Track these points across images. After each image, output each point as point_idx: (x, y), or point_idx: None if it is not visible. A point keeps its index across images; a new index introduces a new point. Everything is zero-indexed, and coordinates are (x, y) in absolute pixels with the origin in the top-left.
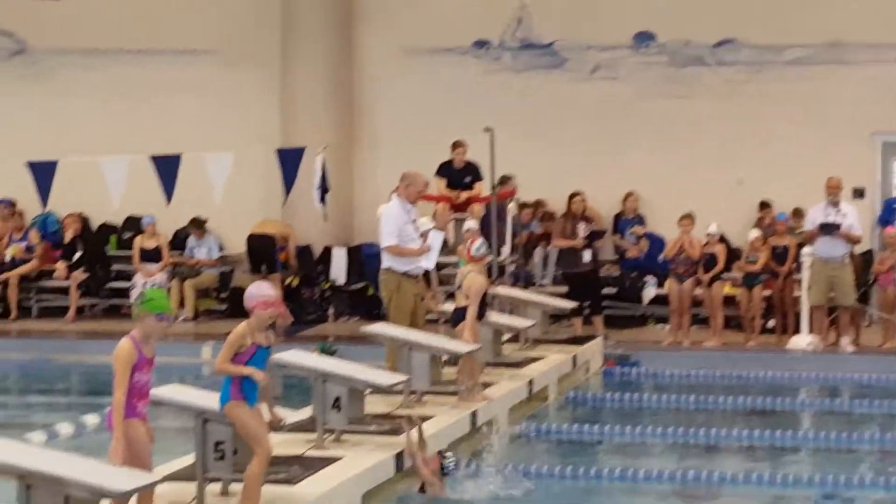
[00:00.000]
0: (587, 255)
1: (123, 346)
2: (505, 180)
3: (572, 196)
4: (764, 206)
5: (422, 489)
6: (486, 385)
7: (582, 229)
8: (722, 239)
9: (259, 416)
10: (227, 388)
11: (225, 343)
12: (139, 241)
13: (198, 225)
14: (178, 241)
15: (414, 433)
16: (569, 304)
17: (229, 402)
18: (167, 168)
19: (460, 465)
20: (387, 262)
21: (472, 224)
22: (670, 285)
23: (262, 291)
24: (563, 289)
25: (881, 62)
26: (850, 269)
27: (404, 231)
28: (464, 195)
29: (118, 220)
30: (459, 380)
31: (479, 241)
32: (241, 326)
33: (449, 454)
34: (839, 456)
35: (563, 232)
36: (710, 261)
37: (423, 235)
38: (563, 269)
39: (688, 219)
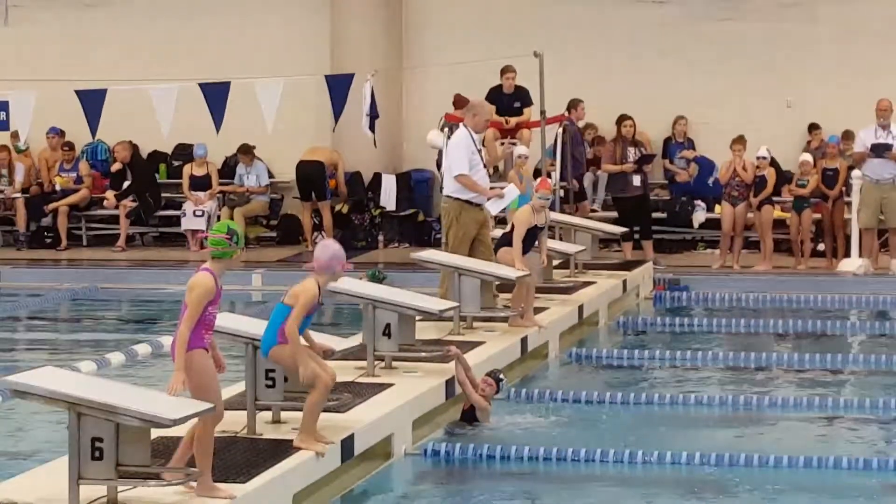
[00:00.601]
0: (637, 180)
1: (204, 281)
2: (575, 104)
3: (622, 120)
4: (813, 128)
5: (464, 418)
6: (538, 311)
7: (632, 154)
8: (772, 162)
9: (306, 352)
10: (274, 334)
11: (300, 305)
12: (188, 169)
13: (246, 151)
14: (228, 169)
15: (461, 359)
16: (618, 230)
17: (275, 346)
18: (216, 95)
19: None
20: (449, 189)
21: (522, 150)
22: (724, 209)
23: (342, 253)
24: (613, 214)
25: None
26: None
27: (473, 160)
28: (513, 121)
29: (168, 149)
30: (513, 306)
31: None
32: (314, 286)
33: (500, 374)
34: (889, 378)
35: (612, 157)
36: (759, 184)
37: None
38: (612, 193)
39: (740, 142)
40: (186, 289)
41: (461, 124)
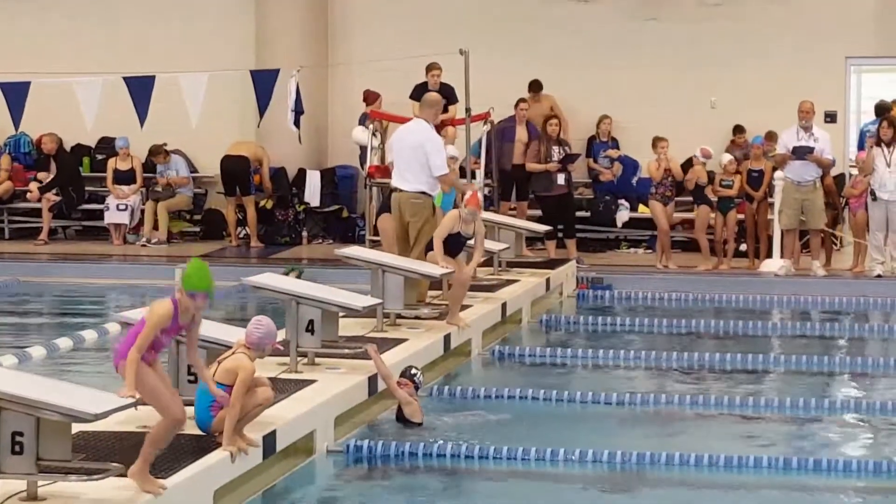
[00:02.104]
0: (561, 179)
1: (163, 308)
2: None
3: (547, 119)
4: (738, 130)
5: (401, 416)
6: (462, 308)
7: (556, 153)
8: (690, 162)
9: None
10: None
11: (238, 382)
12: (112, 163)
13: (156, 152)
14: (152, 164)
15: (375, 355)
16: (542, 228)
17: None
18: (141, 89)
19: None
20: (419, 186)
21: (452, 150)
22: (655, 208)
23: (274, 333)
24: (537, 212)
25: None
26: (821, 192)
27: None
28: (439, 118)
29: (91, 142)
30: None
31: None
32: (247, 362)
33: (414, 369)
34: (810, 378)
35: (537, 155)
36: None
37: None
38: (536, 192)
39: (663, 141)
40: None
41: (424, 121)
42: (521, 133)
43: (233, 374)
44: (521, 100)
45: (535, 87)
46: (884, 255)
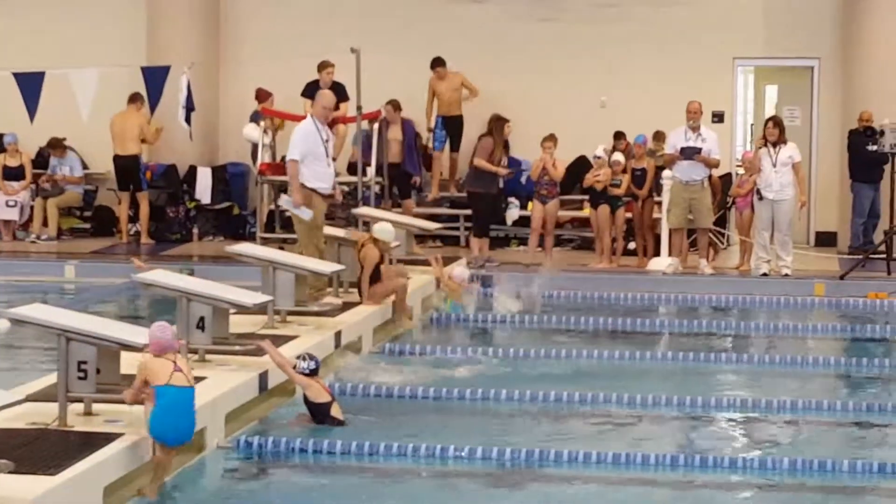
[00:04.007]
0: (502, 182)
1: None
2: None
3: (500, 120)
4: (619, 136)
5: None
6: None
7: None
8: (581, 162)
9: None
10: None
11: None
12: (1, 159)
13: (55, 145)
14: (42, 160)
15: (270, 347)
16: (433, 226)
17: None
18: (30, 85)
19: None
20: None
21: (464, 272)
22: (534, 206)
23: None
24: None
25: None
26: (708, 192)
27: (313, 151)
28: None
29: None
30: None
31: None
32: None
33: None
34: (695, 377)
35: (489, 155)
36: (640, 178)
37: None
38: (472, 188)
39: (550, 140)
40: None
41: (308, 114)
42: (395, 132)
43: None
44: (388, 102)
45: (439, 62)
46: (769, 253)
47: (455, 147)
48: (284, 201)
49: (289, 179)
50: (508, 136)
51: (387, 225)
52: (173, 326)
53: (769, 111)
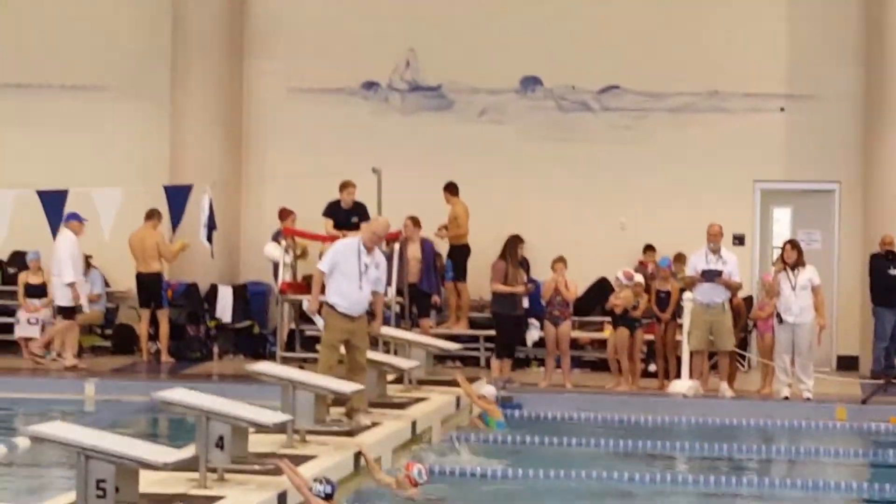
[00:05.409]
0: (526, 302)
1: None
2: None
3: (515, 241)
4: (648, 248)
5: None
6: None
7: (522, 275)
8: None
9: None
10: None
11: None
12: (24, 277)
13: None
14: None
15: (287, 467)
16: (453, 346)
17: None
18: (54, 203)
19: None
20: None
21: (490, 389)
22: (546, 328)
23: None
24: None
25: (759, 111)
26: (729, 314)
27: (344, 267)
28: (350, 235)
29: (3, 255)
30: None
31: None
32: None
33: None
34: (717, 500)
35: (503, 276)
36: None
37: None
38: (497, 312)
39: (560, 262)
40: None
41: (359, 236)
42: (414, 250)
43: None
44: (409, 217)
45: (452, 188)
46: (790, 377)
47: (460, 276)
48: (305, 302)
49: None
50: (523, 253)
51: None
52: None
53: (779, 234)
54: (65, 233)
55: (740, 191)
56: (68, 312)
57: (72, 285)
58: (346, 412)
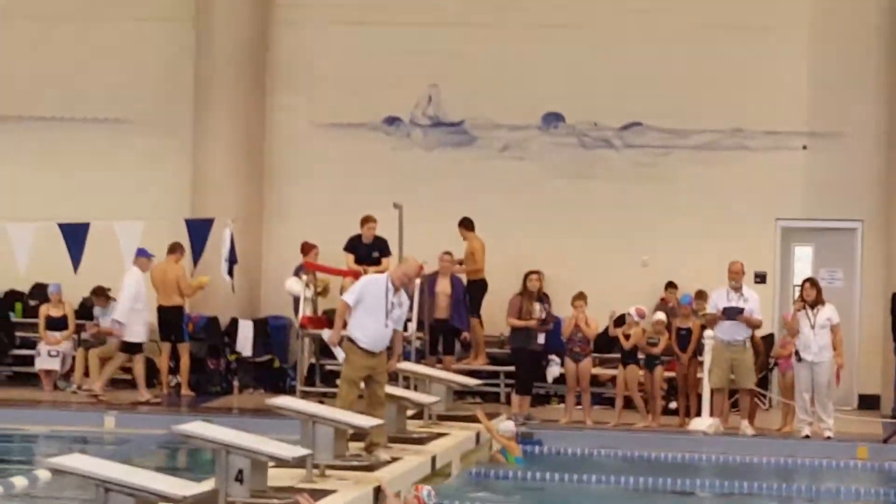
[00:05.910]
0: (541, 338)
1: None
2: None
3: (528, 274)
4: (670, 285)
5: None
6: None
7: (537, 309)
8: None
9: None
10: None
11: None
12: (45, 309)
13: (99, 293)
14: (85, 310)
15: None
16: (473, 382)
17: None
18: (75, 235)
19: None
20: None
21: (509, 426)
22: (567, 364)
23: None
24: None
25: (782, 149)
26: (750, 352)
27: (369, 302)
28: (371, 270)
29: (25, 287)
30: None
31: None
32: None
33: None
34: None
35: (518, 311)
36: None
37: None
38: (514, 346)
39: (580, 299)
40: None
41: (386, 273)
42: (444, 285)
43: None
44: (446, 252)
45: (467, 224)
46: (810, 415)
47: (475, 312)
48: (325, 334)
49: (336, 319)
50: (540, 287)
51: None
52: None
53: (800, 272)
54: (132, 270)
55: (762, 228)
56: (134, 348)
57: (117, 322)
58: (365, 447)
